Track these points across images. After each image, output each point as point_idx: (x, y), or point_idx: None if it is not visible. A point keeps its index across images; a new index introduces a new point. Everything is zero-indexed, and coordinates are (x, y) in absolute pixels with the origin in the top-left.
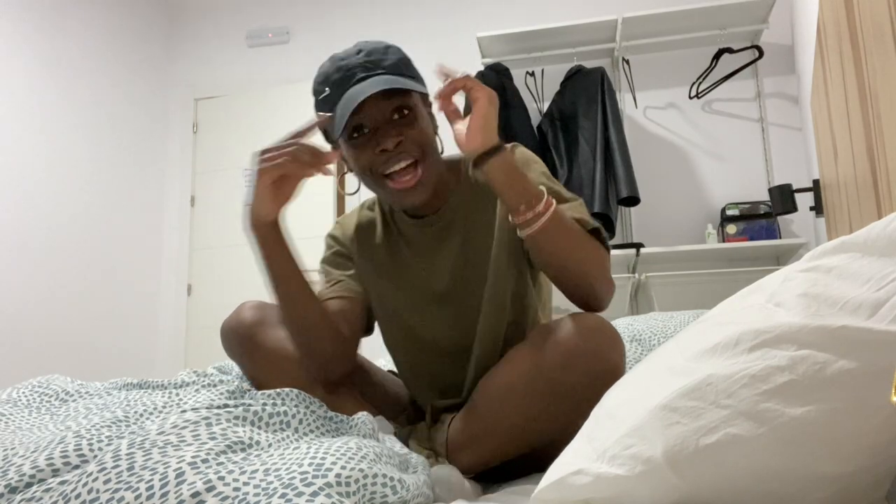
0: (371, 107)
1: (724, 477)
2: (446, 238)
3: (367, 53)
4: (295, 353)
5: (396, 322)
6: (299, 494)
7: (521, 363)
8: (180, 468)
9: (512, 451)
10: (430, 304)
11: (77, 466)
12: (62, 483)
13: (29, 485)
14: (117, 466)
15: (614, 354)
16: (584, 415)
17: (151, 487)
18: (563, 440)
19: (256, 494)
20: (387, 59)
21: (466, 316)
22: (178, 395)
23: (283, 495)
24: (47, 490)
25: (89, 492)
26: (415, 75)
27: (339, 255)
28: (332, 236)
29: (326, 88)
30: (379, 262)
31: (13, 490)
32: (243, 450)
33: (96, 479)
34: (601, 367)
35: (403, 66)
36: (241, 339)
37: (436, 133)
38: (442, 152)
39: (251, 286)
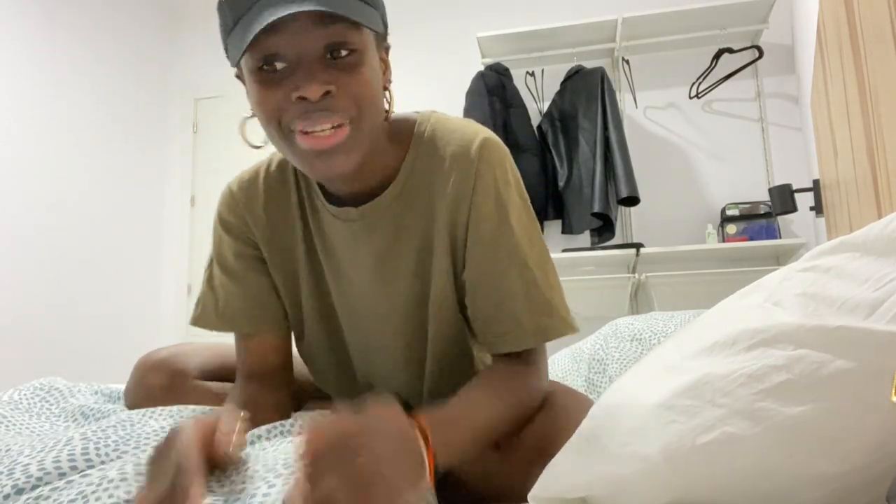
0: (296, 32)
1: (721, 475)
2: (365, 242)
3: None
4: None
5: (313, 335)
6: (278, 476)
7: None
8: None
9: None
10: (339, 325)
11: (83, 470)
12: (69, 483)
13: (35, 486)
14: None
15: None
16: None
17: None
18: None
19: (242, 482)
20: None
21: (386, 355)
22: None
23: (262, 478)
24: (55, 489)
25: (96, 500)
26: (374, 3)
27: (240, 252)
28: (224, 220)
29: None
30: (288, 252)
31: (20, 491)
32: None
33: (106, 489)
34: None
35: None
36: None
37: (386, 89)
38: (388, 117)
39: None
